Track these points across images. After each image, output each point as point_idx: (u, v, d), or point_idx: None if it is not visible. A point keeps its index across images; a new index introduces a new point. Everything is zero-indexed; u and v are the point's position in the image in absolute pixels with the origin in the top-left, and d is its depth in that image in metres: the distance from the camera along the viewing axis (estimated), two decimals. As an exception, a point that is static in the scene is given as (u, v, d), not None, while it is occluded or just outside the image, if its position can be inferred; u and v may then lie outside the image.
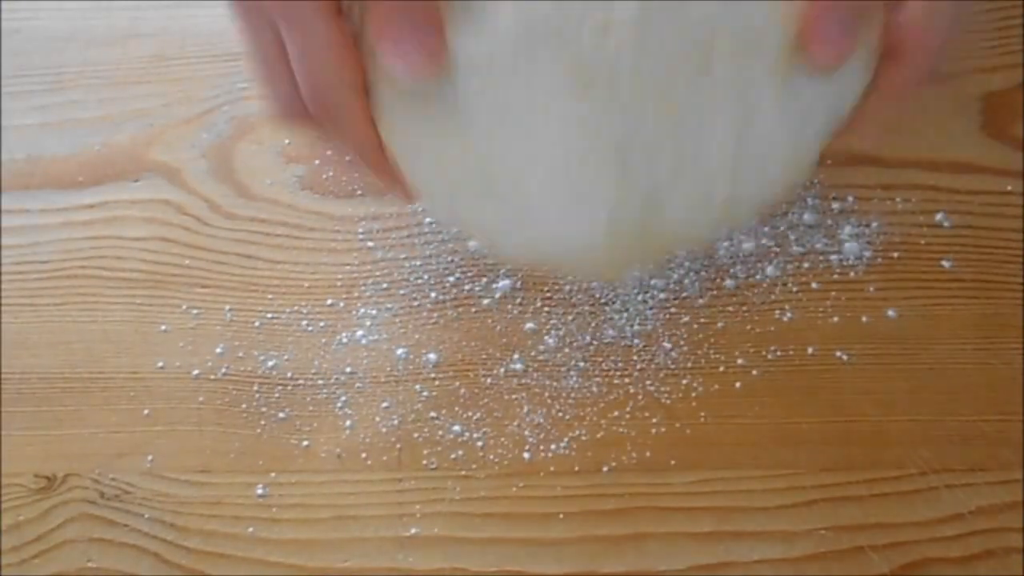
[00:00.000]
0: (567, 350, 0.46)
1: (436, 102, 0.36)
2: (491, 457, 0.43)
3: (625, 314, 0.47)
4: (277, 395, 0.45)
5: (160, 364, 0.46)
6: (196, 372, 0.46)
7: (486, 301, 0.47)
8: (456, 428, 0.44)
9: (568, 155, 0.40)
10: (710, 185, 0.41)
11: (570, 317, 0.47)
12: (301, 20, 0.31)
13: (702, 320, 0.46)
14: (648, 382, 0.45)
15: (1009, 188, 0.49)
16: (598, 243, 0.41)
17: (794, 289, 0.47)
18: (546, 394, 0.45)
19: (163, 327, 0.47)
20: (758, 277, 0.47)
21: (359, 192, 0.49)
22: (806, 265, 0.47)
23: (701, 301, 0.47)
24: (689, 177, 0.40)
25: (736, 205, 0.41)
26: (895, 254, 0.48)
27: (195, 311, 0.48)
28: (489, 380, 0.45)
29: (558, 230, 0.41)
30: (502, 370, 0.45)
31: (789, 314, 0.46)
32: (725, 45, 0.41)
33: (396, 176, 0.36)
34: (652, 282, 0.47)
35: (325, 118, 0.33)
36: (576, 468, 0.43)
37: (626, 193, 0.40)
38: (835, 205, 0.48)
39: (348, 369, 0.46)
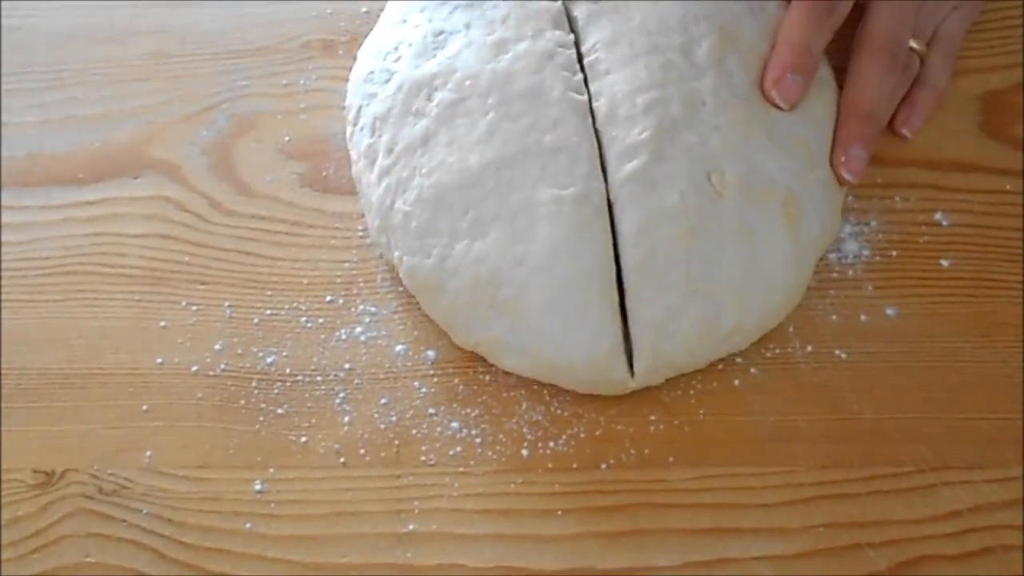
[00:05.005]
0: (566, 347, 0.46)
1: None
2: (489, 454, 0.43)
3: (624, 311, 0.47)
4: (276, 391, 0.45)
5: (159, 360, 0.46)
6: (195, 368, 0.46)
7: (485, 298, 0.47)
8: (454, 425, 0.44)
9: (574, 280, 0.41)
10: (719, 311, 0.41)
11: (569, 314, 0.46)
12: None
13: (701, 318, 0.46)
14: (647, 379, 0.45)
15: (1008, 187, 0.49)
16: (602, 365, 0.42)
17: (793, 287, 0.47)
18: (544, 391, 0.44)
19: (162, 323, 0.47)
20: (757, 275, 0.47)
21: (358, 189, 0.50)
22: (805, 263, 0.47)
23: (700, 299, 0.47)
24: (700, 304, 0.41)
25: (742, 331, 0.42)
26: (894, 253, 0.48)
27: (194, 307, 0.48)
28: (488, 377, 0.45)
29: (563, 350, 0.42)
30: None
31: (788, 312, 0.46)
32: (736, 178, 0.42)
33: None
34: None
35: None
36: (574, 465, 0.43)
37: (635, 317, 0.41)
38: (834, 203, 0.48)
39: (347, 365, 0.46)
